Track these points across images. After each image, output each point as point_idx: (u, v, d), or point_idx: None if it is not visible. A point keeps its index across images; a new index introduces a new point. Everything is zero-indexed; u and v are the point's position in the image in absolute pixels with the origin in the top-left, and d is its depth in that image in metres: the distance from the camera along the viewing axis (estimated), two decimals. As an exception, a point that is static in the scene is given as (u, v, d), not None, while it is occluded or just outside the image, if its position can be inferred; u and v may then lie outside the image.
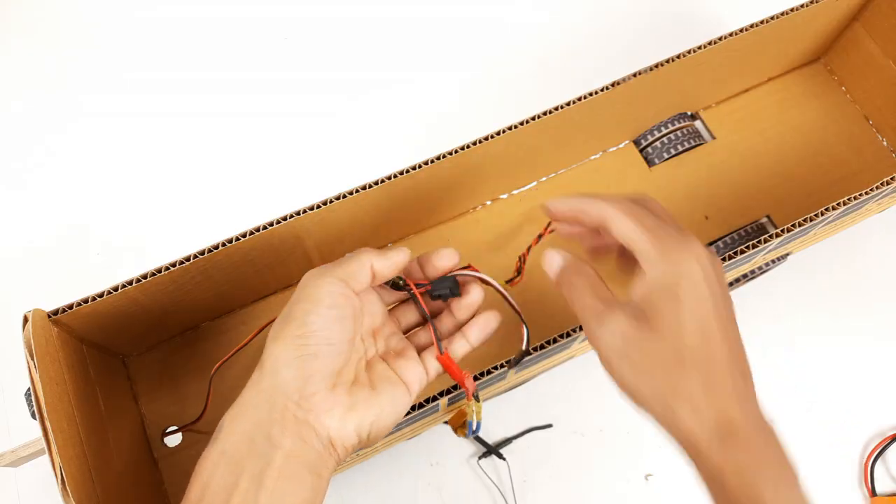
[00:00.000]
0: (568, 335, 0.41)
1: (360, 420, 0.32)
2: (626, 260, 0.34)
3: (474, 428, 0.40)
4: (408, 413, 0.39)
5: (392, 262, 0.35)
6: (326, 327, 0.32)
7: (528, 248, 0.56)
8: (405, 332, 0.39)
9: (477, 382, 0.40)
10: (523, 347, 0.39)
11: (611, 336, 0.30)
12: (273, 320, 0.53)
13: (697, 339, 0.29)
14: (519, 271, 0.55)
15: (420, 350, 0.38)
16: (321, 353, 0.31)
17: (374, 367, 0.35)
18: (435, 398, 0.39)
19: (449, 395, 0.40)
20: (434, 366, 0.36)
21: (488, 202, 0.59)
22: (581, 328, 0.41)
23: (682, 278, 0.29)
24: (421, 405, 0.39)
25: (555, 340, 0.41)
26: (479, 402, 0.39)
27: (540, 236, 0.56)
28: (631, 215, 0.31)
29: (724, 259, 0.43)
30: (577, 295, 0.33)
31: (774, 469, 0.28)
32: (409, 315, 0.39)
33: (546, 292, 0.54)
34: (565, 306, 0.34)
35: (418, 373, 0.36)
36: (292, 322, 0.32)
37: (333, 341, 0.32)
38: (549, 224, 0.57)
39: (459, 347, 0.37)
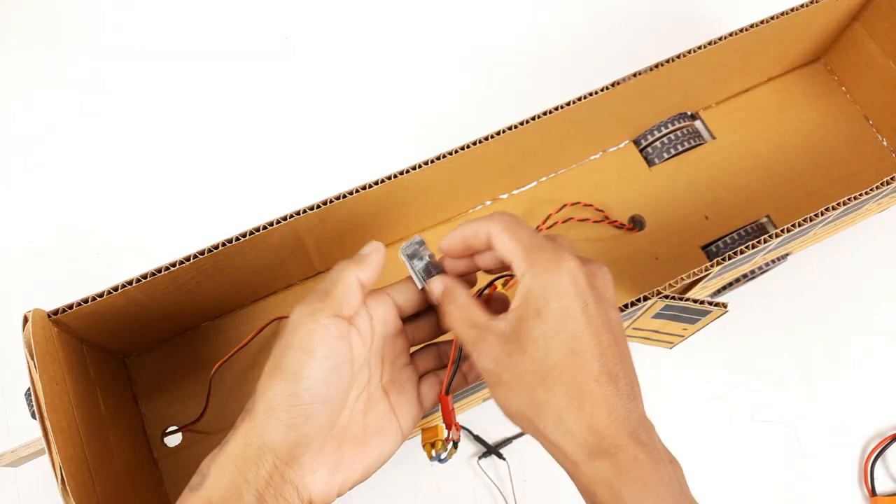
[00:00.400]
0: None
1: (343, 480, 0.31)
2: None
3: (441, 459, 0.39)
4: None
5: (373, 265, 0.33)
6: (321, 382, 0.29)
7: None
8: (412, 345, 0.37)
9: (477, 383, 0.40)
10: None
11: (485, 361, 0.30)
12: (273, 320, 0.53)
13: (563, 355, 0.28)
14: None
15: (420, 374, 0.36)
16: (314, 413, 0.29)
17: (374, 407, 0.33)
18: (435, 398, 0.39)
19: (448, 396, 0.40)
20: (431, 400, 0.35)
21: (489, 202, 0.59)
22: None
23: (549, 293, 0.29)
24: (421, 405, 0.39)
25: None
26: (455, 448, 0.37)
27: (538, 229, 0.57)
28: (508, 229, 0.31)
29: (724, 259, 0.43)
30: (455, 326, 0.32)
31: (644, 483, 0.27)
32: (422, 327, 0.37)
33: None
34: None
35: (414, 412, 0.34)
36: (285, 375, 0.29)
37: (328, 398, 0.30)
38: (547, 218, 0.57)
39: (457, 381, 0.35)
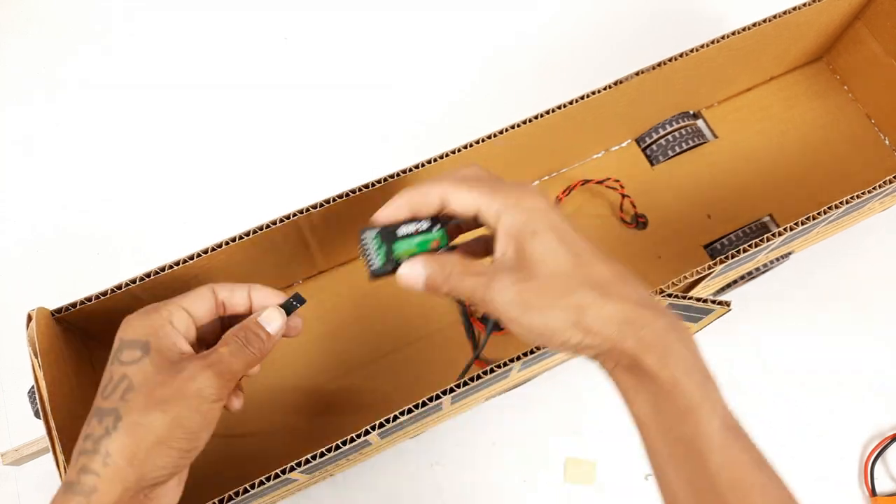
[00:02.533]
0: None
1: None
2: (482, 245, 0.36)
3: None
4: (409, 412, 0.39)
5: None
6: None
7: None
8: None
9: (479, 381, 0.40)
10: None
11: (505, 292, 0.30)
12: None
13: (570, 260, 0.31)
14: None
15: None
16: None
17: None
18: (438, 396, 0.39)
19: (452, 395, 0.40)
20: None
21: (490, 201, 0.59)
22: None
23: (531, 213, 0.31)
24: (424, 403, 0.39)
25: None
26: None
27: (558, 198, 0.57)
28: (464, 184, 0.32)
29: (726, 258, 0.43)
30: (458, 282, 0.32)
31: (681, 339, 0.30)
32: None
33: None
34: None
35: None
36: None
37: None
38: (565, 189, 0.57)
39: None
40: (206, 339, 0.37)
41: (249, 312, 0.36)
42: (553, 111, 0.49)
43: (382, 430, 0.39)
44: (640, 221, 0.58)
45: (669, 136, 0.61)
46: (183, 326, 0.34)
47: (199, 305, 0.35)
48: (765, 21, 0.52)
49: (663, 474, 0.30)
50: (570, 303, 0.30)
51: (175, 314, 0.34)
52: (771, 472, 0.30)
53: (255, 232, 0.44)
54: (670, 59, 0.51)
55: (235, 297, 0.36)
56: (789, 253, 0.55)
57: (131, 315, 0.34)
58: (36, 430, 0.41)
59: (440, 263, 0.33)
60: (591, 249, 0.31)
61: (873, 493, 0.52)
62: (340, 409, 0.52)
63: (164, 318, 0.33)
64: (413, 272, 0.33)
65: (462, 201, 0.32)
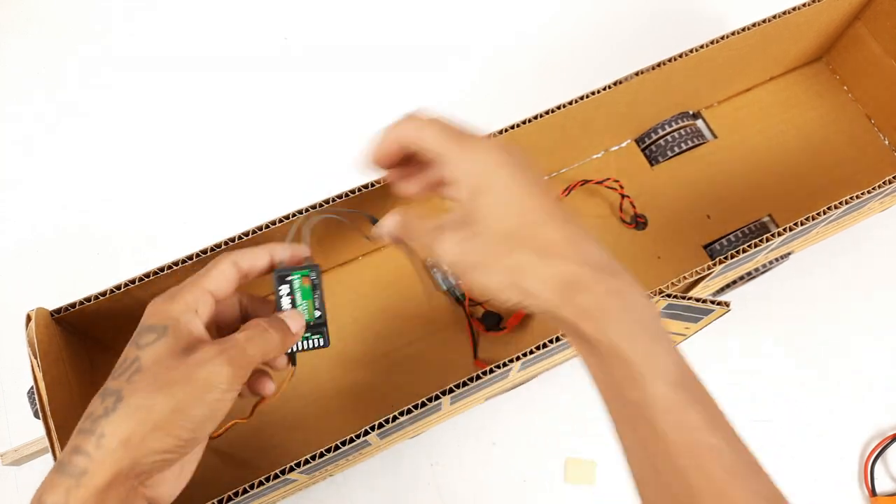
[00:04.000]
0: (570, 334, 0.41)
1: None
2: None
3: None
4: (409, 412, 0.39)
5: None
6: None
7: None
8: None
9: (478, 381, 0.40)
10: None
11: (450, 252, 0.31)
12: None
13: (516, 218, 0.30)
14: None
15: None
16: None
17: None
18: (437, 397, 0.39)
19: (451, 395, 0.40)
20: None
21: (490, 201, 0.59)
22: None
23: (487, 168, 0.30)
24: (423, 404, 0.39)
25: (557, 339, 0.41)
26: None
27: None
28: (436, 125, 0.32)
29: (726, 258, 0.43)
30: (413, 237, 0.33)
31: (623, 307, 0.29)
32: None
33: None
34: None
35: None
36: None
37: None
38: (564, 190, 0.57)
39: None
40: (226, 323, 0.36)
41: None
42: (553, 111, 0.49)
43: (382, 430, 0.39)
44: (639, 221, 0.58)
45: (669, 136, 0.61)
46: (206, 311, 0.33)
47: (221, 283, 0.34)
48: (765, 21, 0.52)
49: (621, 437, 0.30)
50: (508, 264, 0.29)
51: (200, 300, 0.33)
52: (727, 432, 0.28)
53: (255, 232, 0.44)
54: (670, 59, 0.51)
55: (258, 263, 0.35)
56: (789, 253, 0.55)
57: (156, 299, 0.33)
58: (36, 430, 0.42)
59: (401, 219, 0.33)
60: (548, 210, 0.30)
61: (873, 493, 0.52)
62: (339, 410, 0.52)
63: (188, 304, 0.32)
64: (385, 227, 0.34)
65: (429, 141, 0.32)
